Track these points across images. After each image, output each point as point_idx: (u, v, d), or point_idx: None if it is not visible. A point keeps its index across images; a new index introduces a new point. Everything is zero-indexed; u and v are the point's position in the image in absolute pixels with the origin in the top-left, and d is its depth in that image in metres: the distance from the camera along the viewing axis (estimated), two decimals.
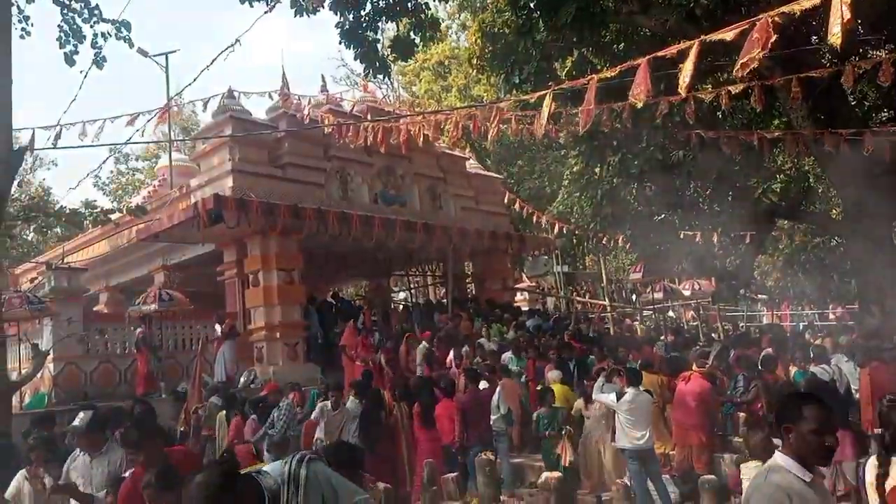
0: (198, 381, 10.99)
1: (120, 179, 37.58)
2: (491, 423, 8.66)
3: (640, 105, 6.06)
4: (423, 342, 12.69)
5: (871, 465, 3.40)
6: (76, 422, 4.85)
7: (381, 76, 11.46)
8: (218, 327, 12.23)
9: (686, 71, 5.57)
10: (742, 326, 21.02)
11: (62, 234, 27.48)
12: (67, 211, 9.69)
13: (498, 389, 9.04)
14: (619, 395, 7.42)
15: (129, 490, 3.78)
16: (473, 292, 20.23)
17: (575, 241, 18.55)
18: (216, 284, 15.48)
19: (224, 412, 9.08)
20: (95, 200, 14.53)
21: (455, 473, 7.24)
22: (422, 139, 10.18)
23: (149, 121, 14.58)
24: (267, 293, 13.50)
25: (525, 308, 20.60)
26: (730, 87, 7.64)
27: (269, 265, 13.57)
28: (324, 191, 14.97)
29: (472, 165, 20.03)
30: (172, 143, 16.35)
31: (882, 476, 3.27)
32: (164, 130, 19.07)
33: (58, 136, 11.15)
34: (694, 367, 8.50)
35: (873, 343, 8.54)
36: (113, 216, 10.06)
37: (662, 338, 15.00)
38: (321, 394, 10.07)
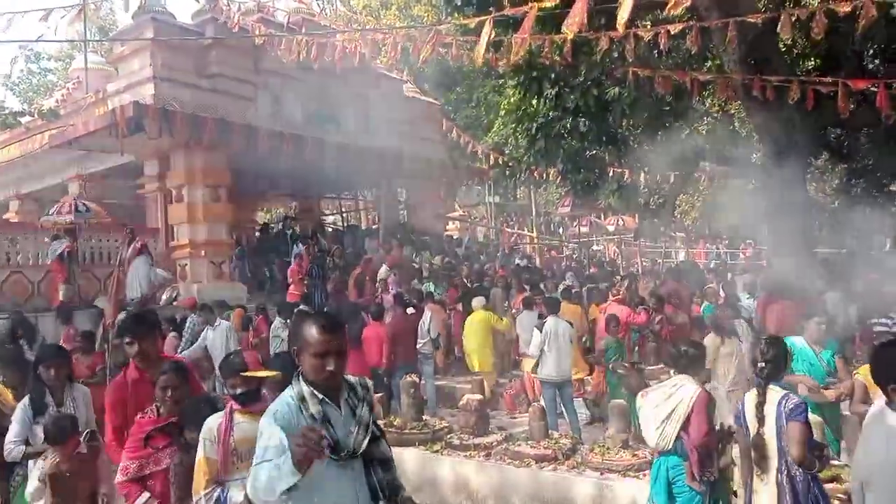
0: (115, 296, 10.67)
1: (31, 80, 34.87)
2: (419, 346, 8.87)
3: (570, 36, 6.02)
4: (384, 266, 12.70)
5: (751, 396, 3.69)
6: None
7: None
8: (129, 247, 11.74)
9: (625, 6, 5.56)
10: (659, 262, 22.00)
11: None
12: None
13: (429, 315, 9.23)
14: (540, 327, 7.70)
15: (120, 382, 3.84)
16: (405, 219, 20.21)
17: (508, 172, 18.64)
18: (136, 197, 14.85)
19: None
20: (4, 101, 13.49)
21: (380, 394, 7.41)
22: (358, 58, 9.85)
23: (63, 17, 13.45)
24: (191, 210, 13.07)
25: (455, 236, 20.84)
26: (669, 27, 7.69)
27: (193, 180, 13.08)
28: (253, 105, 14.39)
29: (409, 89, 19.60)
30: (88, 44, 15.17)
31: (761, 405, 3.56)
32: (79, 29, 17.66)
33: None
34: (610, 297, 8.94)
35: (779, 283, 9.11)
36: (23, 119, 9.40)
37: (586, 272, 15.57)
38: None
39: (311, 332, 2.41)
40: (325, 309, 8.68)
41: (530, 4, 6.40)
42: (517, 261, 15.89)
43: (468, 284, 12.43)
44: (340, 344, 2.43)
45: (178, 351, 8.66)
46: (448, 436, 6.19)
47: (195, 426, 3.35)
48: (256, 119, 13.95)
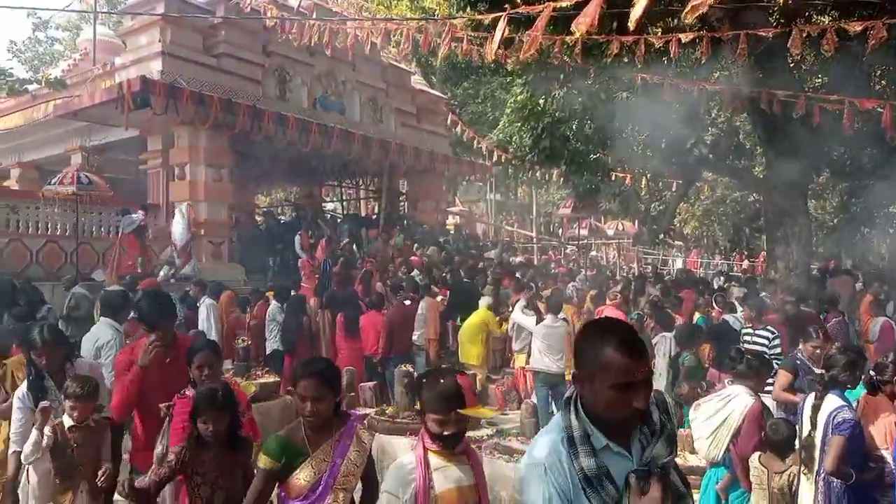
0: (116, 269, 10.69)
1: (37, 48, 34.68)
2: (414, 337, 8.91)
3: (580, 34, 6.05)
4: (416, 269, 12.33)
5: (811, 399, 3.75)
6: None
7: None
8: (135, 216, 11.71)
9: (639, 5, 5.59)
10: (658, 268, 22.08)
11: None
12: None
13: (426, 306, 9.28)
14: (539, 322, 7.76)
15: (127, 356, 3.66)
16: (406, 210, 20.25)
17: (511, 170, 18.69)
18: (137, 172, 14.84)
19: None
20: (12, 68, 13.46)
21: (374, 382, 7.47)
22: (369, 46, 9.88)
23: None
24: (193, 188, 13.08)
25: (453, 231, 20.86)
26: (680, 35, 7.73)
27: (197, 159, 13.09)
28: (260, 88, 14.39)
29: (416, 81, 19.62)
30: (97, 15, 15.12)
31: (816, 409, 3.63)
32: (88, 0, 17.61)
33: None
34: (607, 301, 8.98)
35: (771, 297, 9.17)
36: (29, 87, 9.39)
37: (583, 273, 15.63)
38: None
39: (610, 353, 1.70)
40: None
41: (545, 4, 6.43)
42: (505, 257, 15.77)
43: (462, 278, 12.39)
44: (649, 370, 1.76)
45: None
46: None
47: (209, 414, 2.98)
48: (262, 101, 13.96)
